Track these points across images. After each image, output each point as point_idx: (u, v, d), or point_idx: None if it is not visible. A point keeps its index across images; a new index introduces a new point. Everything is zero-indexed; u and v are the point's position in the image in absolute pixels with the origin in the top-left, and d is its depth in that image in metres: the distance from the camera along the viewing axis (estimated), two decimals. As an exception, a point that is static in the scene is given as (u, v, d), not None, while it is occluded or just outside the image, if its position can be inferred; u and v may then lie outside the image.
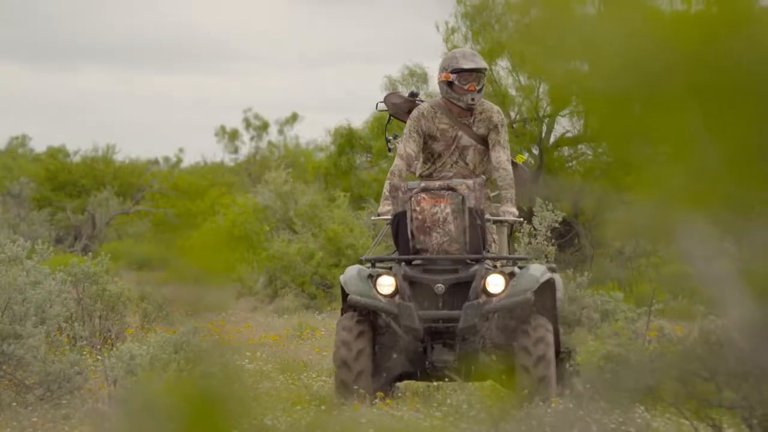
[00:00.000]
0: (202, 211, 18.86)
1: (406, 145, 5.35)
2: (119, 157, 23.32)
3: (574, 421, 4.31)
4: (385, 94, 5.65)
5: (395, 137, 5.54)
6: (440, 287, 5.07)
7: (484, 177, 5.35)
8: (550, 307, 5.28)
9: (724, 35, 1.59)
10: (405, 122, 5.48)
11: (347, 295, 5.18)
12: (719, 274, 1.84)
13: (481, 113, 5.44)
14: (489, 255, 5.20)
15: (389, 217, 5.20)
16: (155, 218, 21.06)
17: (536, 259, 5.46)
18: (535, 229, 8.99)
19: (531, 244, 8.88)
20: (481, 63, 5.47)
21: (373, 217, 5.37)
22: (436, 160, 5.44)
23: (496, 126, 5.42)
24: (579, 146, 13.31)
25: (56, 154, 24.02)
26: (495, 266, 5.23)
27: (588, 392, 4.43)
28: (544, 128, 13.18)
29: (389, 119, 5.64)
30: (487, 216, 5.21)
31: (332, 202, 13.36)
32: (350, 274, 5.23)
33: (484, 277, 5.08)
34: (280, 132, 26.81)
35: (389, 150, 5.54)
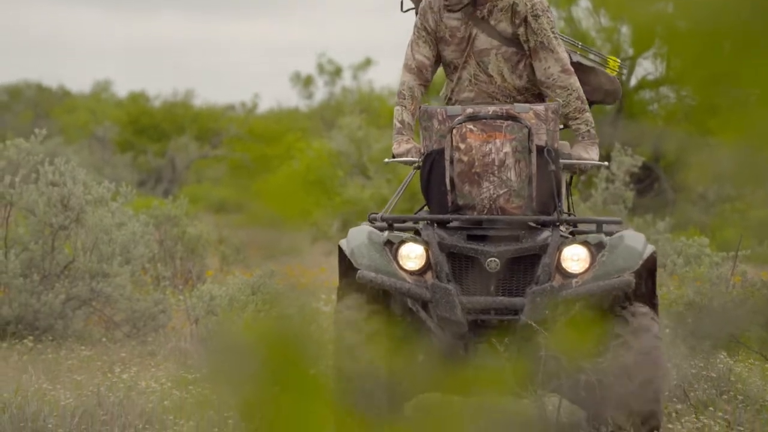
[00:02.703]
0: (278, 156, 19.05)
1: (415, 51, 3.48)
2: (197, 102, 23.72)
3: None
4: None
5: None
6: (494, 262, 3.32)
7: (559, 101, 3.44)
8: (648, 293, 3.51)
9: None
10: None
11: (348, 266, 3.45)
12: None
13: None
14: (567, 217, 3.44)
15: (414, 159, 3.47)
16: (232, 162, 21.38)
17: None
18: (612, 174, 8.80)
19: (608, 189, 8.70)
20: None
21: (386, 160, 3.62)
22: (452, 75, 3.54)
23: (525, 19, 3.45)
24: (661, 89, 12.95)
25: (138, 98, 24.48)
26: (572, 234, 3.47)
27: (669, 337, 4.35)
28: (625, 71, 12.85)
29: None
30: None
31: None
32: (359, 240, 3.41)
33: (559, 249, 3.33)
34: (354, 77, 26.74)
35: (402, 10, 3.61)
